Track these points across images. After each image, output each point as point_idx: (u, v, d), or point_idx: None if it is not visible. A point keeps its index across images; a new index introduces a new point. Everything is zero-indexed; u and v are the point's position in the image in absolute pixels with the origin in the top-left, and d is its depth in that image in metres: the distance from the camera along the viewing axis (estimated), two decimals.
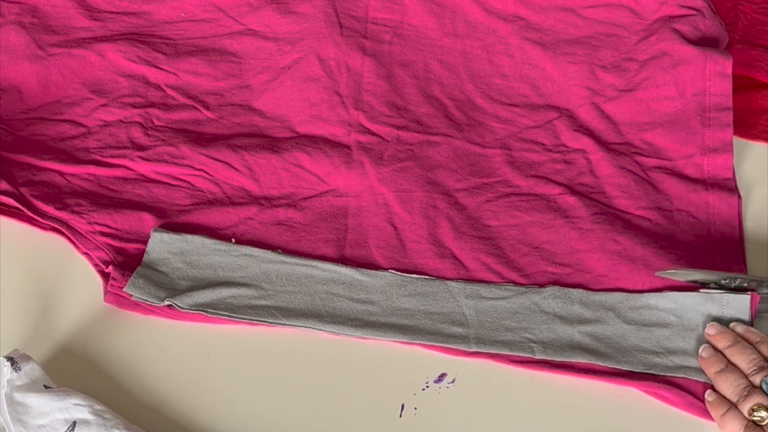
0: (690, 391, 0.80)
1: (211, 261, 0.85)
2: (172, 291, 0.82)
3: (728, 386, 0.78)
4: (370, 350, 0.81)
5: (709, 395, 0.79)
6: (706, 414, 0.79)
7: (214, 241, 0.86)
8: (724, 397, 0.78)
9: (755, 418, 0.75)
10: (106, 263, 0.84)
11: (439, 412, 0.78)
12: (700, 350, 0.81)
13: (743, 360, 0.79)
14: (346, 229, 0.89)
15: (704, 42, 0.99)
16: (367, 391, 0.79)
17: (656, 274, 0.84)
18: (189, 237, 0.86)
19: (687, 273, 0.83)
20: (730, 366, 0.79)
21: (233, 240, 0.87)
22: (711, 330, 0.82)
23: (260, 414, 0.77)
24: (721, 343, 0.81)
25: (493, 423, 0.78)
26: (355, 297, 0.84)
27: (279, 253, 0.86)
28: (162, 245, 0.85)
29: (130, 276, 0.82)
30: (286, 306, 0.83)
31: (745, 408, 0.76)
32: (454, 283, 0.85)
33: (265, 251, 0.86)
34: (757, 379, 0.77)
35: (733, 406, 0.77)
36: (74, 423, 0.71)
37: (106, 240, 0.85)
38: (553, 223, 0.90)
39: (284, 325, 0.81)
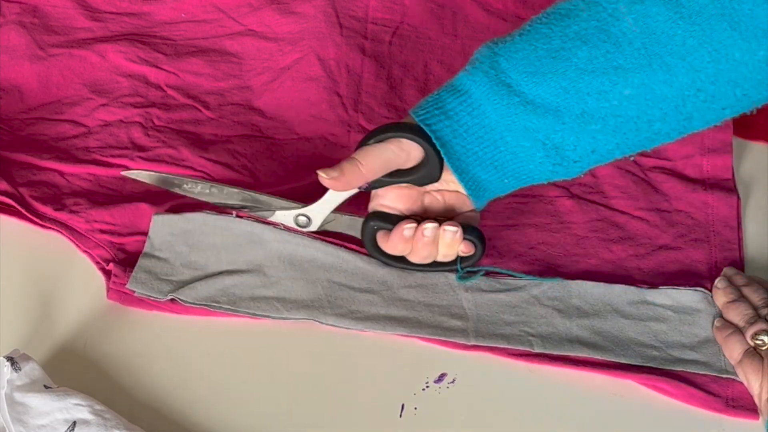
0: (689, 383, 0.80)
1: (213, 241, 0.85)
2: (175, 283, 0.82)
3: (737, 314, 0.80)
4: (370, 350, 0.81)
5: (717, 321, 0.82)
6: (706, 405, 0.79)
7: (215, 216, 0.85)
8: (731, 324, 0.81)
9: (757, 342, 0.77)
10: (107, 261, 0.84)
11: (439, 412, 0.78)
12: (716, 282, 0.84)
13: (756, 296, 0.81)
14: None
15: None
16: (367, 391, 0.79)
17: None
18: (190, 215, 0.85)
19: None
20: (742, 298, 0.81)
21: (234, 213, 0.86)
22: (728, 271, 0.85)
23: (260, 414, 0.77)
24: (738, 281, 0.83)
25: (493, 423, 0.78)
26: (356, 286, 0.84)
27: (280, 229, 0.86)
28: (163, 227, 0.84)
29: (132, 272, 0.82)
30: (288, 297, 0.82)
31: (749, 333, 0.78)
32: (452, 274, 0.85)
33: (266, 227, 0.85)
34: (764, 311, 0.79)
35: (738, 330, 0.79)
36: (74, 423, 0.71)
37: (106, 237, 0.85)
38: (549, 226, 0.90)
39: (286, 318, 0.81)
